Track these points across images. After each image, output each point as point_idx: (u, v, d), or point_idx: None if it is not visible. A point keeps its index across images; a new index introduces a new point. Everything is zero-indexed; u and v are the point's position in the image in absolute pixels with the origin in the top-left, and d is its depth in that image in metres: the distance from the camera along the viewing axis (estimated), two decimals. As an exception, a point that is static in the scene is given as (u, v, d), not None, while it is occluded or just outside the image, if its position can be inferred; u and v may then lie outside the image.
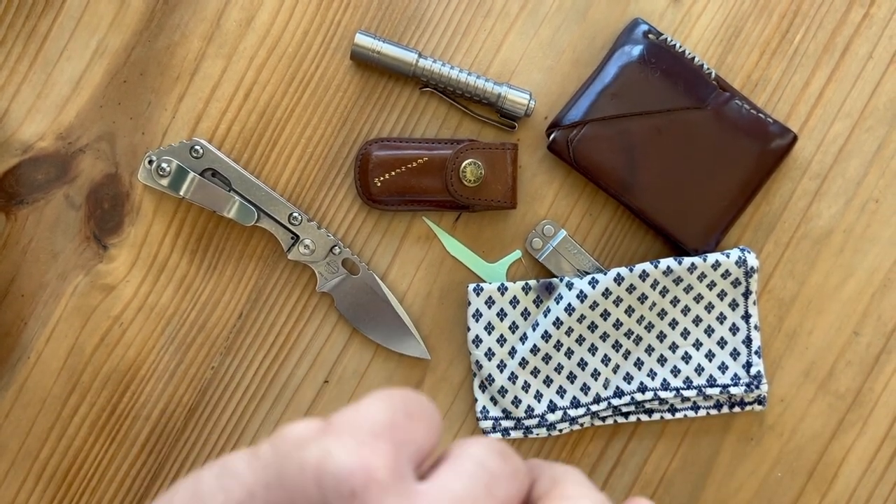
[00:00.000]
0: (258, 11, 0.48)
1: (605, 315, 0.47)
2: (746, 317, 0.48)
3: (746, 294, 0.47)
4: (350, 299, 0.48)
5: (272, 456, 0.22)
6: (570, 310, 0.46)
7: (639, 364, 0.47)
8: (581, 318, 0.47)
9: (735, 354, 0.47)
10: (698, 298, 0.47)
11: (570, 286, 0.47)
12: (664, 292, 0.47)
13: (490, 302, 0.47)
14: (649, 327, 0.47)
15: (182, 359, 0.48)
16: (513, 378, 0.47)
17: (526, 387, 0.47)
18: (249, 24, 0.48)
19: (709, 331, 0.48)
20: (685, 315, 0.47)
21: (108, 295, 0.48)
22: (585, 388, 0.47)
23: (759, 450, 0.49)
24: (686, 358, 0.47)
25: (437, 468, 0.23)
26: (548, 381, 0.47)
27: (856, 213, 0.48)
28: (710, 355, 0.47)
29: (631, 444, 0.49)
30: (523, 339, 0.47)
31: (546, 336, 0.47)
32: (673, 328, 0.47)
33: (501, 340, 0.47)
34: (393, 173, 0.47)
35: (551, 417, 0.47)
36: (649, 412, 0.48)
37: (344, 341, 0.48)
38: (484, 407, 0.47)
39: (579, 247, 0.48)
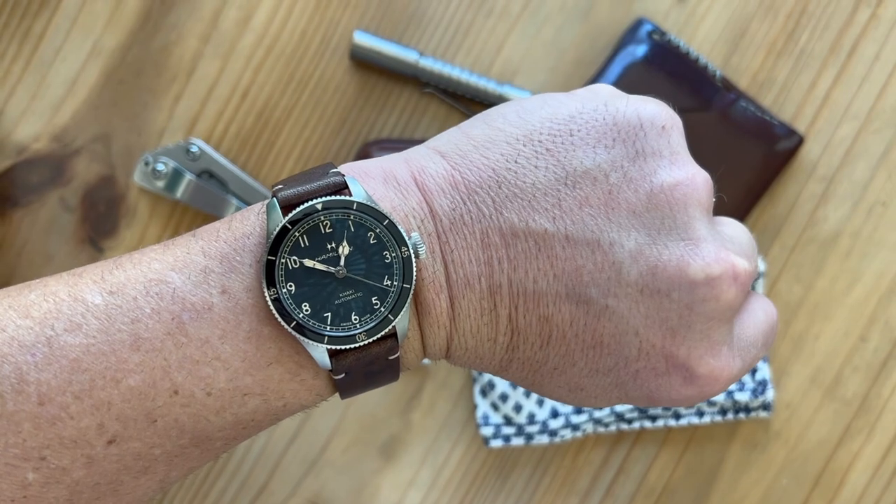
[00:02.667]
0: (256, 11, 0.47)
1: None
2: (752, 322, 0.47)
3: (752, 298, 0.47)
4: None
5: (593, 95, 0.29)
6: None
7: (642, 369, 0.47)
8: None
9: (740, 360, 0.47)
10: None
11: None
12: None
13: (491, 306, 0.47)
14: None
15: (178, 363, 0.48)
16: (514, 384, 0.47)
17: (527, 393, 0.47)
18: (247, 23, 0.47)
19: (713, 336, 0.47)
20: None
21: (104, 298, 0.48)
22: (588, 394, 0.47)
23: (765, 457, 0.48)
24: (690, 363, 0.47)
25: None
26: (550, 387, 0.47)
27: (863, 217, 0.48)
28: (714, 361, 0.47)
29: (634, 452, 0.48)
30: (525, 344, 0.47)
31: (548, 341, 0.46)
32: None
33: (503, 345, 0.47)
34: (393, 175, 0.46)
35: (553, 424, 0.46)
36: (653, 419, 0.47)
37: (343, 346, 0.48)
38: (485, 413, 0.47)
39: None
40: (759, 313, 0.31)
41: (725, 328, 0.28)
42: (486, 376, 0.47)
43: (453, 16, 0.48)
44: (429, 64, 0.46)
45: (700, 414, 0.47)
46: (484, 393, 0.47)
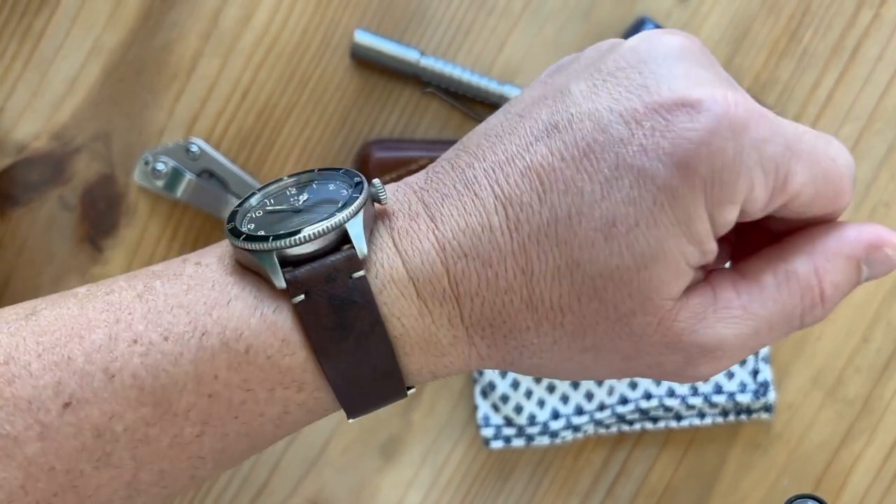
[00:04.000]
0: (256, 9, 0.47)
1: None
2: (753, 322, 0.47)
3: (754, 299, 0.47)
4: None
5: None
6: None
7: (643, 370, 0.47)
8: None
9: (742, 361, 0.47)
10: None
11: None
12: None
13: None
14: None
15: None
16: (515, 385, 0.46)
17: (528, 394, 0.47)
18: (247, 22, 0.47)
19: (715, 337, 0.47)
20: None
21: (103, 298, 0.48)
22: (589, 396, 0.47)
23: (766, 458, 0.48)
24: (692, 364, 0.47)
25: None
26: (551, 389, 0.47)
27: (865, 217, 0.48)
28: (716, 362, 0.47)
29: (635, 453, 0.48)
30: (526, 344, 0.47)
31: (549, 341, 0.46)
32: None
33: (503, 346, 0.47)
34: (394, 174, 0.46)
35: (554, 425, 0.46)
36: (654, 420, 0.47)
37: (343, 346, 0.48)
38: (485, 414, 0.47)
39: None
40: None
41: (697, 65, 0.25)
42: (487, 377, 0.46)
43: (454, 15, 0.48)
44: (430, 63, 0.46)
45: (701, 415, 0.47)
46: (485, 394, 0.47)
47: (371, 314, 0.24)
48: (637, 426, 0.47)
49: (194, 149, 0.46)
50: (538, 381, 0.47)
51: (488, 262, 0.24)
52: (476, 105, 0.48)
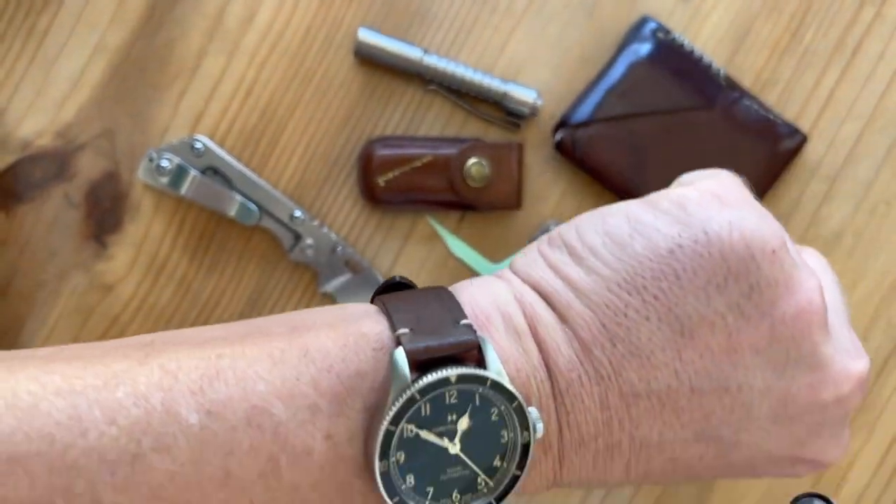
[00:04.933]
0: (260, 7, 0.47)
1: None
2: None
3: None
4: (352, 300, 0.48)
5: (684, 214, 0.26)
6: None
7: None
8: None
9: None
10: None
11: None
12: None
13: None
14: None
15: (182, 359, 0.48)
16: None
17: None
18: (251, 20, 0.47)
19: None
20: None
21: (108, 294, 0.48)
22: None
23: (766, 455, 0.48)
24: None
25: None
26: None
27: (866, 216, 0.48)
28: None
29: (636, 449, 0.48)
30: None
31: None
32: None
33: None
34: (396, 172, 0.46)
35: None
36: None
37: (346, 343, 0.48)
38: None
39: (585, 248, 0.47)
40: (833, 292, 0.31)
41: (848, 421, 0.29)
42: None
43: (458, 13, 0.48)
44: (433, 61, 0.46)
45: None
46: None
47: None
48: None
49: (199, 146, 0.46)
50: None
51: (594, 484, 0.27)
52: (479, 103, 0.48)
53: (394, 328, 0.25)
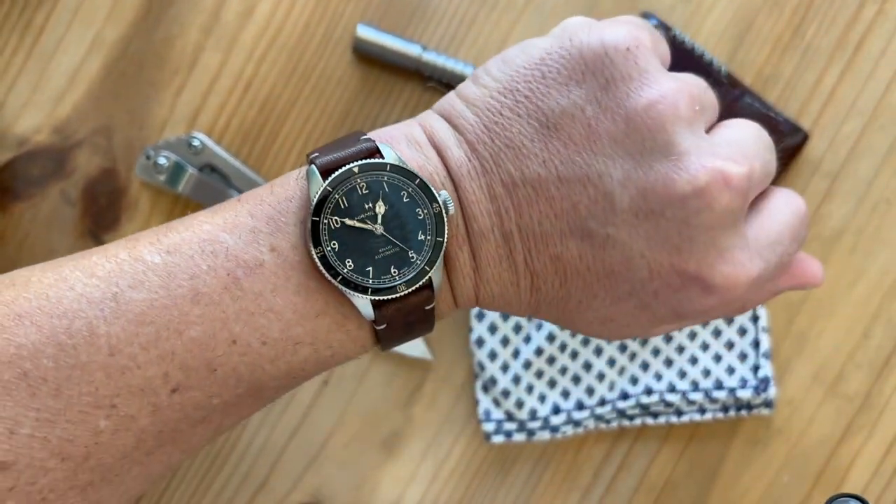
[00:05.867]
0: (258, 3, 0.47)
1: (611, 316, 0.46)
2: (755, 319, 0.47)
3: (755, 295, 0.47)
4: (351, 298, 0.48)
5: (562, 31, 0.31)
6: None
7: (644, 366, 0.47)
8: (586, 319, 0.46)
9: (743, 357, 0.47)
10: (706, 300, 0.46)
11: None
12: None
13: (493, 302, 0.47)
14: (656, 329, 0.47)
15: (180, 357, 0.48)
16: (516, 380, 0.46)
17: (529, 389, 0.47)
18: (249, 15, 0.47)
19: (716, 333, 0.47)
20: (692, 316, 0.47)
21: (105, 292, 0.47)
22: (590, 391, 0.47)
23: (766, 454, 0.48)
24: (693, 360, 0.47)
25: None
26: (552, 383, 0.47)
27: (867, 214, 0.48)
28: (717, 358, 0.47)
29: (636, 448, 0.48)
30: (527, 340, 0.47)
31: (550, 338, 0.46)
32: (680, 330, 0.46)
33: (505, 342, 0.47)
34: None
35: (555, 420, 0.46)
36: (655, 415, 0.47)
37: (344, 341, 0.48)
38: (486, 409, 0.47)
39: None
40: (782, 208, 0.31)
41: (731, 233, 0.29)
42: (489, 372, 0.46)
43: (457, 10, 0.47)
44: (432, 58, 0.46)
45: (702, 411, 0.47)
46: (486, 389, 0.47)
47: (430, 323, 0.31)
48: (637, 421, 0.47)
49: (196, 143, 0.46)
50: (539, 376, 0.47)
51: (510, 307, 0.31)
52: (478, 100, 0.48)
53: (312, 162, 0.29)
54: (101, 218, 0.47)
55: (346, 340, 0.30)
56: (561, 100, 0.29)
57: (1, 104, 0.47)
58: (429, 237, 0.29)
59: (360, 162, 0.28)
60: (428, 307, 0.30)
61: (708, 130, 0.31)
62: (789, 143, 0.46)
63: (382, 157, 0.29)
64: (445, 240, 0.29)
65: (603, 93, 0.29)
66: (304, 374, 0.30)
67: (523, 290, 0.30)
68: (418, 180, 0.29)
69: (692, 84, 0.30)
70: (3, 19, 0.47)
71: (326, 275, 0.28)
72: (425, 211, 0.29)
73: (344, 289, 0.28)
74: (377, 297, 0.28)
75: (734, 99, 0.46)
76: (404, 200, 0.29)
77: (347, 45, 0.47)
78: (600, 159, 0.28)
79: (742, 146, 0.30)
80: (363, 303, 0.29)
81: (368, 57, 0.47)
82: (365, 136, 0.30)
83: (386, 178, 0.29)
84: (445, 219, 0.29)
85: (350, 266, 0.28)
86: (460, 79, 0.46)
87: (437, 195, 0.29)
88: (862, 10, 0.48)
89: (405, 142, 0.30)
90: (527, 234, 0.29)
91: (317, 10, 0.47)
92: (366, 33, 0.46)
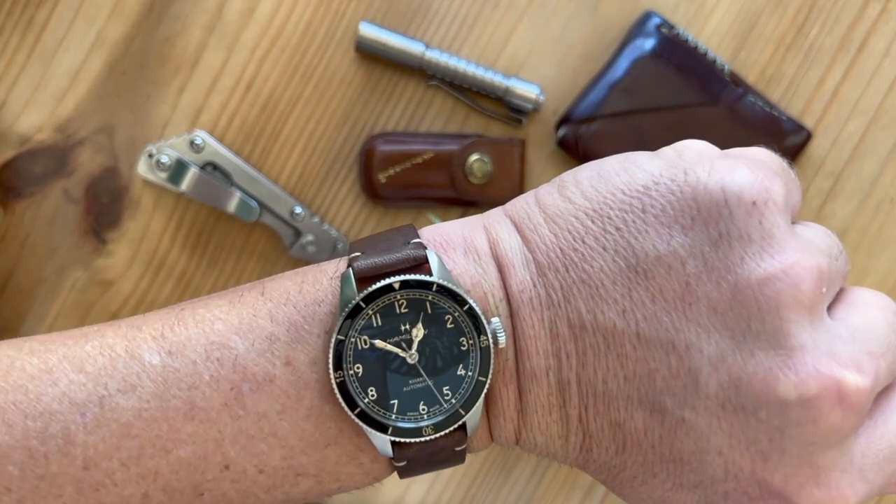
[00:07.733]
0: (260, 1, 0.47)
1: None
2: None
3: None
4: (353, 296, 0.47)
5: (677, 158, 0.25)
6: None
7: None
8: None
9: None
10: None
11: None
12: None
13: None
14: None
15: (182, 356, 0.48)
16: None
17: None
18: (251, 14, 0.47)
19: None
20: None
21: (107, 290, 0.47)
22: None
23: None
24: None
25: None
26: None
27: (870, 213, 0.48)
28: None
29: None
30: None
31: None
32: None
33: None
34: (398, 168, 0.46)
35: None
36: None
37: (346, 340, 0.48)
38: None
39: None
40: None
41: (835, 452, 0.23)
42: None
43: (460, 8, 0.47)
44: (435, 56, 0.46)
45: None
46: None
47: (459, 460, 0.26)
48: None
49: (198, 141, 0.46)
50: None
51: (555, 457, 0.27)
52: (481, 99, 0.47)
53: (350, 264, 0.25)
54: (103, 216, 0.47)
55: (357, 474, 0.26)
56: (659, 244, 0.24)
57: (3, 103, 0.47)
58: (470, 373, 0.25)
59: (401, 277, 0.24)
60: (458, 448, 0.26)
61: (830, 305, 0.25)
62: (792, 142, 0.46)
63: (430, 269, 0.24)
64: (489, 380, 0.25)
65: (712, 249, 0.23)
66: (301, 502, 0.26)
67: (572, 447, 0.26)
68: (467, 306, 0.24)
69: (823, 253, 0.24)
70: (5, 17, 0.47)
71: (344, 405, 0.24)
72: (470, 342, 0.25)
73: (362, 424, 0.24)
74: (399, 439, 0.25)
75: (737, 97, 0.46)
76: (447, 326, 0.25)
77: (350, 44, 0.47)
78: (692, 327, 0.23)
79: (870, 340, 0.24)
80: (381, 441, 0.25)
81: (371, 55, 0.46)
82: (416, 240, 0.25)
83: (430, 299, 0.24)
84: (492, 353, 0.24)
85: (372, 396, 0.24)
86: (462, 77, 0.46)
87: (486, 326, 0.24)
88: (865, 9, 0.47)
89: (462, 249, 0.26)
90: (587, 388, 0.25)
91: (319, 8, 0.47)
92: (368, 31, 0.46)
